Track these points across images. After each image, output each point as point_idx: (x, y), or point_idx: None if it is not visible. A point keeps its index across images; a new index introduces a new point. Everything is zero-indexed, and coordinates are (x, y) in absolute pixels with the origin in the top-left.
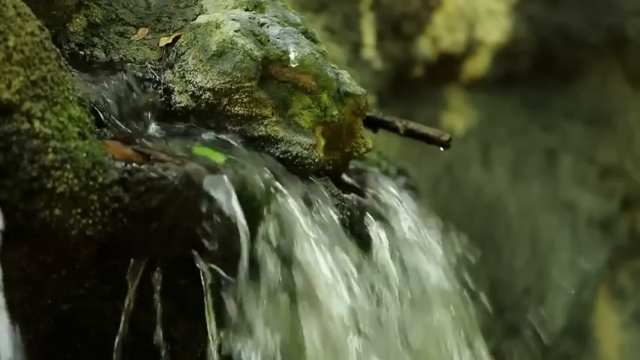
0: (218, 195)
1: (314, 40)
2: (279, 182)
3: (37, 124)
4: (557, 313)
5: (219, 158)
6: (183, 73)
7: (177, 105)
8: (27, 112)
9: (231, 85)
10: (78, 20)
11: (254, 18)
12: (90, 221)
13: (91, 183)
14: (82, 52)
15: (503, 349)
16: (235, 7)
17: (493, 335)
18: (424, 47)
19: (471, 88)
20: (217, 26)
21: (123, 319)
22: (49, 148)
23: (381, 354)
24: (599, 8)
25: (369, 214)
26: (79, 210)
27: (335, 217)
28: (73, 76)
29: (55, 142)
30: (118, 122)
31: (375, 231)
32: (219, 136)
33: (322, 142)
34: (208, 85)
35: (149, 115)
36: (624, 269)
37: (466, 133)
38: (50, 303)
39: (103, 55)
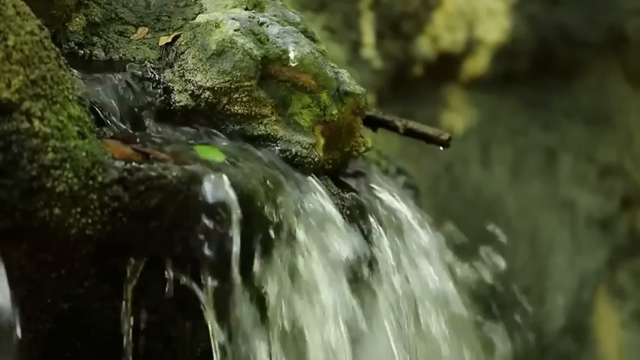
0: (218, 194)
1: (313, 40)
2: (279, 182)
3: (36, 123)
4: (557, 313)
5: (218, 157)
6: (183, 73)
7: (177, 104)
8: (26, 111)
9: (231, 84)
10: (77, 19)
11: (253, 17)
12: (89, 220)
13: (90, 182)
14: (81, 52)
15: (502, 349)
16: (235, 7)
17: (494, 334)
18: (424, 46)
19: (470, 87)
20: (217, 25)
21: (123, 318)
22: (49, 147)
23: (380, 353)
24: (599, 8)
25: (368, 214)
26: (79, 209)
27: (334, 217)
28: (72, 75)
29: (54, 142)
30: (118, 121)
31: (375, 230)
32: (218, 135)
33: (322, 142)
34: (208, 85)
35: (149, 114)
36: (624, 268)
37: (466, 132)
38: (50, 302)
39: (103, 54)
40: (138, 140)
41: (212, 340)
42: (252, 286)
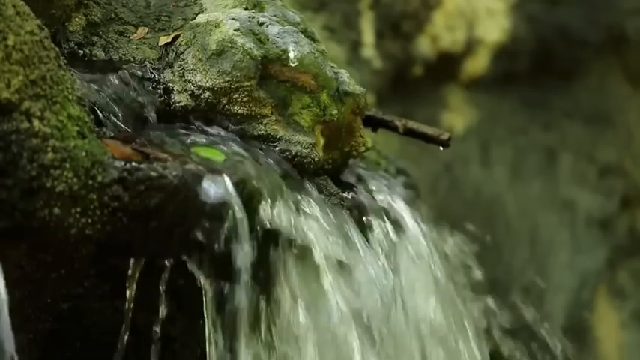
0: (218, 194)
1: (313, 39)
2: (279, 182)
3: (36, 123)
4: (557, 312)
5: (218, 157)
6: (183, 73)
7: (177, 104)
8: (26, 111)
9: (231, 84)
10: (77, 19)
11: (253, 17)
12: (89, 220)
13: (90, 182)
14: (81, 51)
15: (502, 349)
16: (235, 7)
17: (493, 334)
18: (424, 46)
19: (470, 87)
20: (217, 25)
21: (123, 318)
22: (49, 147)
23: (377, 353)
24: (599, 7)
25: (368, 214)
26: (79, 209)
27: (334, 217)
28: (72, 75)
29: (54, 141)
30: (118, 121)
31: (374, 230)
32: (218, 135)
33: (322, 142)
34: (208, 85)
35: (148, 114)
36: (623, 268)
37: (465, 132)
38: (50, 302)
39: (103, 54)
40: (138, 140)
41: (207, 342)
42: (252, 285)
